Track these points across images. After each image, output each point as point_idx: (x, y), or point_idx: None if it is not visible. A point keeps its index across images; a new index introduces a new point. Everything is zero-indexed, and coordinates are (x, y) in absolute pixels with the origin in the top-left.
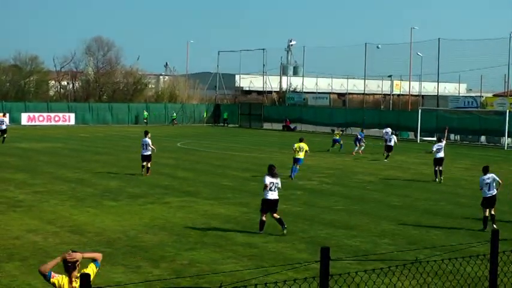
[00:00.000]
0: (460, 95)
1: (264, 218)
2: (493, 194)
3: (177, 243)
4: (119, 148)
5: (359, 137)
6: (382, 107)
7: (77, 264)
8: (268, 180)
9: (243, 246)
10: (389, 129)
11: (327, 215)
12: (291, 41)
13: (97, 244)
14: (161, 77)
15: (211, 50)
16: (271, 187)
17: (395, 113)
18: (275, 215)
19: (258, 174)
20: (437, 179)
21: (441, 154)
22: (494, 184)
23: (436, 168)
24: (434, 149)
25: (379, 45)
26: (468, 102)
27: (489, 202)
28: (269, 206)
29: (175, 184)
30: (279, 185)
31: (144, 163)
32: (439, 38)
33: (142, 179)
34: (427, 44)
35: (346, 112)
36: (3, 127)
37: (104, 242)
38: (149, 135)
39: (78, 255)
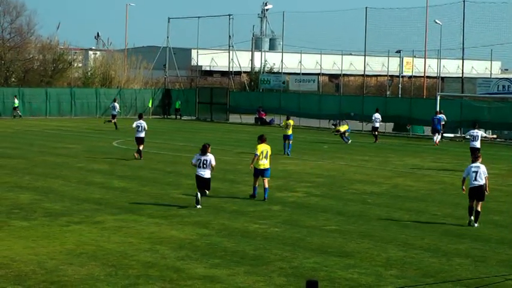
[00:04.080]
0: (493, 76)
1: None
2: (480, 184)
3: (113, 278)
4: (33, 149)
5: (439, 121)
6: (388, 93)
7: None
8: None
9: (202, 280)
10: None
11: (315, 237)
12: (266, 5)
13: (1, 281)
14: (91, 52)
15: (159, 16)
16: (199, 164)
17: (406, 101)
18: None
19: (222, 184)
20: None
21: (477, 144)
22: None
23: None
24: (467, 136)
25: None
26: (504, 86)
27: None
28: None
29: (109, 197)
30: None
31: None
32: (464, 0)
33: (66, 190)
34: (448, 9)
35: (341, 100)
36: (115, 112)
37: (12, 277)
38: (143, 117)
39: None
